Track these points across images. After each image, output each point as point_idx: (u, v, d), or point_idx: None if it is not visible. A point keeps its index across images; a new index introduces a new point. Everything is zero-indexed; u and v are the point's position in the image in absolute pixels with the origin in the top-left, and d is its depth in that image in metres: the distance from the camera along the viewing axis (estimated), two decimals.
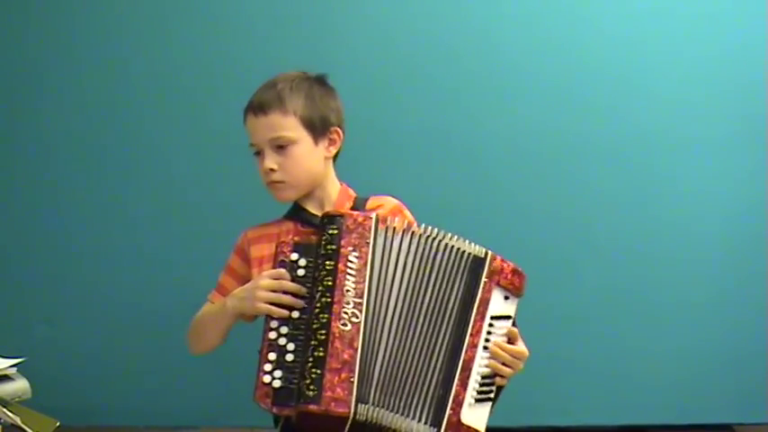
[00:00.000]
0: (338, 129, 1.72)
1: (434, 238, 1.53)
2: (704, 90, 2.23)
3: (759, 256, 2.23)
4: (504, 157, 2.23)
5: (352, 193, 1.76)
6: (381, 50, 2.22)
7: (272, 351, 1.49)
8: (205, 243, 2.21)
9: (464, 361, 1.48)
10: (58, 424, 1.55)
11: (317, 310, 1.48)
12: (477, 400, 1.49)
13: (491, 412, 1.51)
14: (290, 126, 1.66)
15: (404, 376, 1.48)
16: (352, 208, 1.70)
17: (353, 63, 2.20)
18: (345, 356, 1.45)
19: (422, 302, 1.51)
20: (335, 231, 1.51)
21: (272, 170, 1.67)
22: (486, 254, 1.52)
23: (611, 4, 2.23)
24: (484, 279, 1.51)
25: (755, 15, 2.22)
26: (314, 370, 1.44)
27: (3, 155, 2.24)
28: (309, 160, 1.68)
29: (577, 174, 2.23)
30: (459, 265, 1.52)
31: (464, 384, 1.48)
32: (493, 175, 2.23)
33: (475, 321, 1.50)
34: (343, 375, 1.44)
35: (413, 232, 1.53)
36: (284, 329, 1.50)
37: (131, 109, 2.23)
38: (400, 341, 1.49)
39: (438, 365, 1.49)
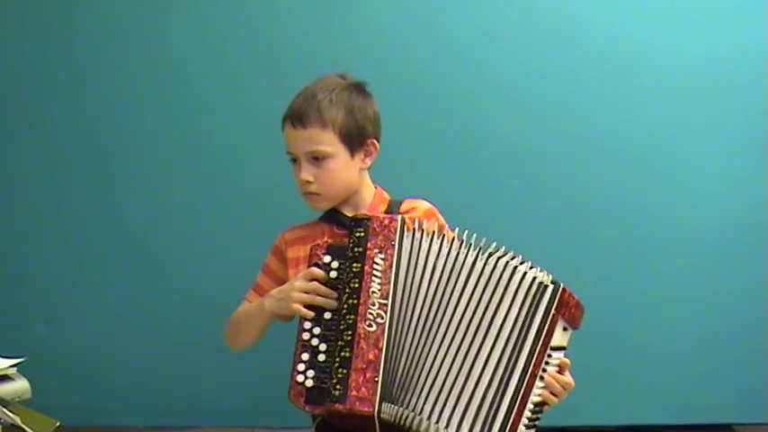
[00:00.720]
0: (375, 141, 1.73)
1: (476, 247, 1.52)
2: (704, 90, 2.23)
3: (759, 256, 2.23)
4: (503, 157, 2.23)
5: (387, 196, 1.78)
6: (382, 50, 2.21)
7: (306, 351, 1.53)
8: (205, 244, 2.21)
9: (524, 391, 1.47)
10: (57, 424, 1.55)
11: (343, 312, 1.51)
12: (528, 427, 1.50)
13: None
14: (327, 140, 1.67)
15: (431, 379, 1.49)
16: (386, 211, 1.72)
17: (354, 63, 2.20)
18: (370, 356, 1.47)
19: (455, 307, 1.51)
20: (362, 234, 1.54)
21: (308, 182, 1.68)
22: (557, 285, 1.50)
23: (611, 4, 2.23)
24: (553, 311, 1.49)
25: (755, 15, 2.23)
26: (340, 370, 1.47)
27: (3, 155, 2.24)
28: (345, 173, 1.70)
29: (577, 173, 2.23)
30: (512, 283, 1.50)
31: (521, 413, 1.47)
32: (493, 174, 2.23)
33: (538, 352, 1.48)
34: (368, 375, 1.46)
35: (444, 235, 1.54)
36: (317, 330, 1.53)
37: (132, 110, 2.23)
38: (427, 342, 1.50)
39: (483, 382, 1.47)
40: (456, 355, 1.49)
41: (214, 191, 2.22)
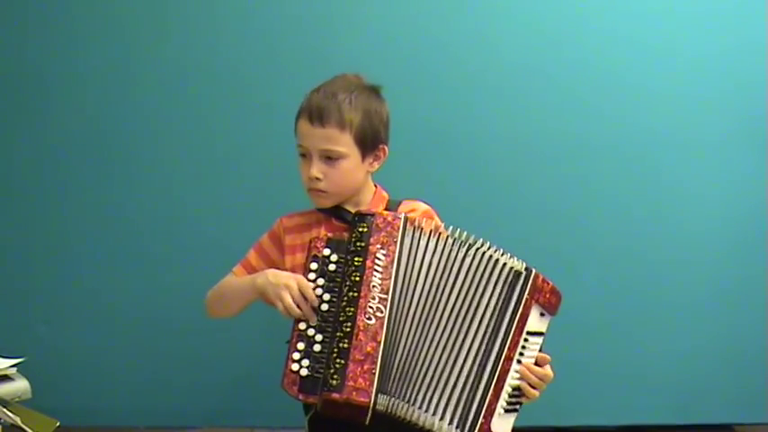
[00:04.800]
0: (385, 147, 1.76)
1: (465, 243, 1.56)
2: (704, 90, 2.23)
3: (759, 256, 2.23)
4: (503, 157, 2.23)
5: (386, 195, 1.80)
6: (382, 50, 2.21)
7: (301, 341, 1.55)
8: (206, 244, 2.21)
9: (500, 373, 1.52)
10: (58, 424, 1.55)
11: (344, 304, 1.54)
12: (506, 411, 1.54)
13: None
14: (344, 142, 1.69)
15: (424, 371, 1.53)
16: (385, 209, 1.73)
17: (354, 63, 2.20)
18: (368, 349, 1.51)
19: (446, 302, 1.55)
20: (365, 229, 1.57)
21: (317, 179, 1.69)
22: (530, 271, 1.55)
23: (611, 4, 2.23)
24: (526, 296, 1.54)
25: (755, 15, 2.22)
26: (338, 360, 1.50)
27: (3, 156, 2.24)
28: (353, 175, 1.72)
29: (577, 173, 2.23)
30: (493, 274, 1.55)
31: (497, 395, 1.52)
32: (493, 174, 2.23)
33: (513, 336, 1.53)
34: (365, 367, 1.50)
35: (440, 234, 1.57)
36: (313, 320, 1.56)
37: (132, 110, 2.23)
38: (421, 337, 1.54)
39: (465, 369, 1.52)
40: (445, 347, 1.54)
41: (215, 191, 2.22)
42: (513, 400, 1.54)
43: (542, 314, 1.57)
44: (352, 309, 1.53)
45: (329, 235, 1.62)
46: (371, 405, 1.48)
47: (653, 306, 2.23)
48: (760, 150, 2.23)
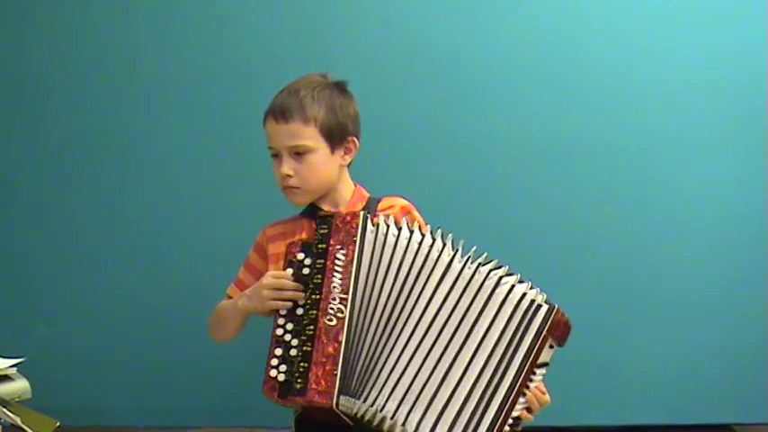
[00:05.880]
0: (355, 138, 1.76)
1: (467, 257, 1.52)
2: (704, 90, 2.23)
3: (759, 256, 2.23)
4: (503, 157, 2.23)
5: (366, 194, 1.80)
6: (382, 50, 2.21)
7: (279, 347, 1.57)
8: (206, 244, 2.21)
9: (509, 406, 1.48)
10: (57, 424, 1.55)
11: (307, 307, 1.56)
12: None
13: None
14: (309, 135, 1.70)
15: (393, 375, 1.50)
16: (365, 208, 1.73)
17: (354, 62, 2.20)
18: (330, 350, 1.51)
19: (425, 305, 1.51)
20: (326, 230, 1.58)
21: (288, 176, 1.70)
22: (552, 307, 1.50)
23: (611, 4, 2.23)
24: (545, 333, 1.48)
25: (755, 15, 2.22)
26: (302, 364, 1.52)
27: (3, 155, 2.24)
28: (325, 168, 1.72)
29: (577, 173, 2.23)
30: (507, 301, 1.50)
31: (501, 429, 1.47)
32: (492, 174, 2.23)
33: (526, 371, 1.48)
34: (327, 368, 1.50)
35: (413, 232, 1.55)
36: (289, 326, 1.57)
37: (131, 109, 2.23)
38: (390, 336, 1.52)
39: (462, 389, 1.48)
40: (427, 356, 1.50)
41: (216, 191, 2.22)
42: (512, 429, 1.51)
43: (551, 346, 1.52)
44: (314, 311, 1.54)
45: (303, 239, 1.63)
46: (334, 406, 1.48)
47: (653, 306, 2.23)
48: (760, 150, 2.23)
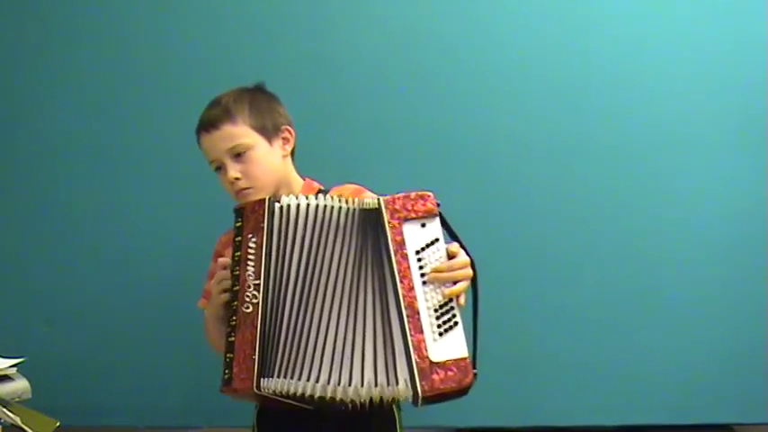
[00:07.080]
0: (289, 127, 1.78)
1: (326, 207, 1.54)
2: (704, 90, 2.23)
3: (759, 256, 2.23)
4: (503, 157, 2.23)
5: (317, 186, 1.81)
6: (382, 50, 2.21)
7: (228, 347, 1.58)
8: (206, 244, 2.20)
9: (407, 307, 1.46)
10: (57, 424, 1.55)
11: (231, 300, 1.58)
12: (442, 333, 1.47)
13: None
14: (242, 133, 1.72)
15: (315, 345, 1.51)
16: None
17: (354, 62, 2.21)
18: (248, 336, 1.53)
19: (328, 270, 1.53)
20: (240, 223, 1.59)
21: (236, 179, 1.72)
22: (379, 201, 1.51)
23: (611, 4, 2.23)
24: (387, 224, 1.49)
25: (755, 15, 2.22)
26: (228, 355, 1.55)
27: (3, 155, 2.24)
28: (268, 161, 1.74)
29: (577, 173, 2.23)
30: (353, 223, 1.53)
31: (418, 328, 1.46)
32: (492, 174, 2.23)
33: (399, 266, 1.48)
34: (246, 353, 1.52)
35: (308, 206, 1.55)
36: (233, 322, 1.58)
37: (131, 109, 2.23)
38: (306, 313, 1.53)
39: (369, 328, 1.49)
40: (339, 317, 1.51)
41: (216, 191, 2.21)
42: (445, 317, 1.48)
43: (423, 224, 1.50)
44: (235, 303, 1.56)
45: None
46: (255, 390, 1.49)
47: (652, 306, 2.23)
48: (760, 150, 2.23)
